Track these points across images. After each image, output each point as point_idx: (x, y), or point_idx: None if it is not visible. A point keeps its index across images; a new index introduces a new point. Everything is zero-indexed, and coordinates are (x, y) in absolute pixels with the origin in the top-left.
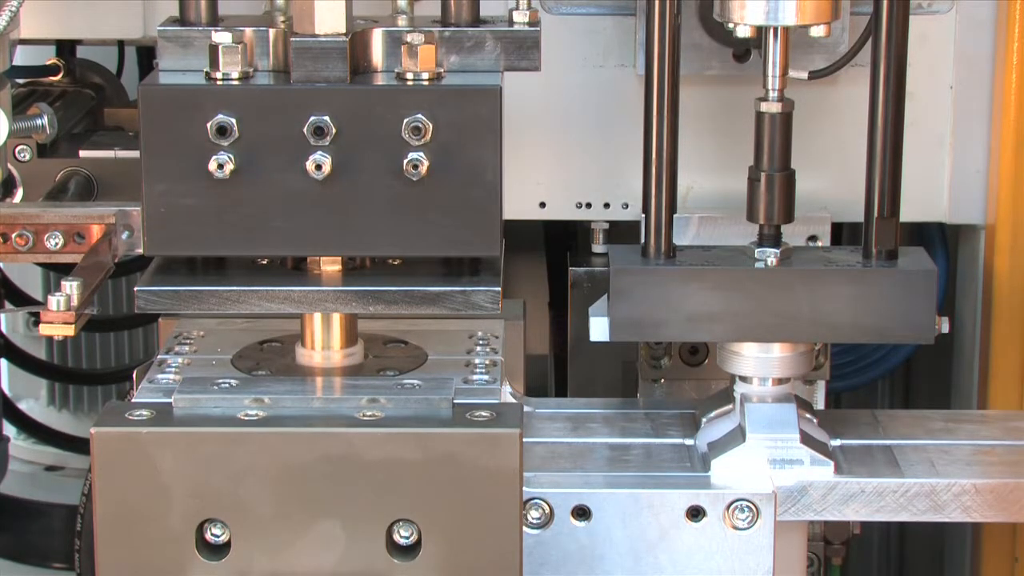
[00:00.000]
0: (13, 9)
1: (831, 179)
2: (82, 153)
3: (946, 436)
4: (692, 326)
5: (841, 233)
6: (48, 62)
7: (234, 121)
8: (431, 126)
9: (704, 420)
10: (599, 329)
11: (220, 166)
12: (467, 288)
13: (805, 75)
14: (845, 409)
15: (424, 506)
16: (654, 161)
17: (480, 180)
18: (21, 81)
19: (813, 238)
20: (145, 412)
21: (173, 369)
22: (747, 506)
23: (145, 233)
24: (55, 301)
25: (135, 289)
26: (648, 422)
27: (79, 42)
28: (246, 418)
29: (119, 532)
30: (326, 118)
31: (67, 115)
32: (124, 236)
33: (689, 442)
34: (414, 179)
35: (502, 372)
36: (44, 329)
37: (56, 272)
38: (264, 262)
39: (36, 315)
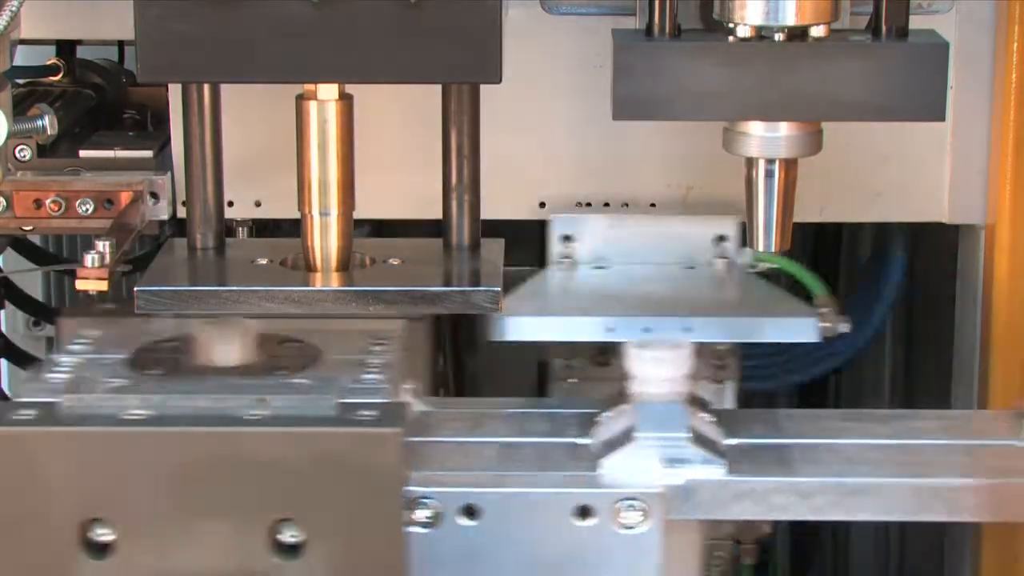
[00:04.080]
0: (13, 9)
1: (831, 179)
2: (82, 153)
3: (842, 435)
4: (699, 104)
5: (841, 233)
6: (48, 62)
7: None
8: None
9: (600, 419)
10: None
11: None
12: (467, 288)
13: None
14: (746, 409)
15: (306, 506)
16: None
17: (480, 3)
18: (21, 81)
19: (722, 238)
20: (30, 412)
21: (65, 369)
22: (636, 505)
23: (138, 60)
24: (90, 258)
25: (135, 289)
26: (548, 422)
27: (79, 42)
28: (131, 418)
29: (2, 532)
30: None
31: (67, 115)
32: (151, 203)
33: (584, 441)
34: (412, 1)
35: (398, 372)
36: (80, 284)
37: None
38: (264, 262)
39: (37, 315)
